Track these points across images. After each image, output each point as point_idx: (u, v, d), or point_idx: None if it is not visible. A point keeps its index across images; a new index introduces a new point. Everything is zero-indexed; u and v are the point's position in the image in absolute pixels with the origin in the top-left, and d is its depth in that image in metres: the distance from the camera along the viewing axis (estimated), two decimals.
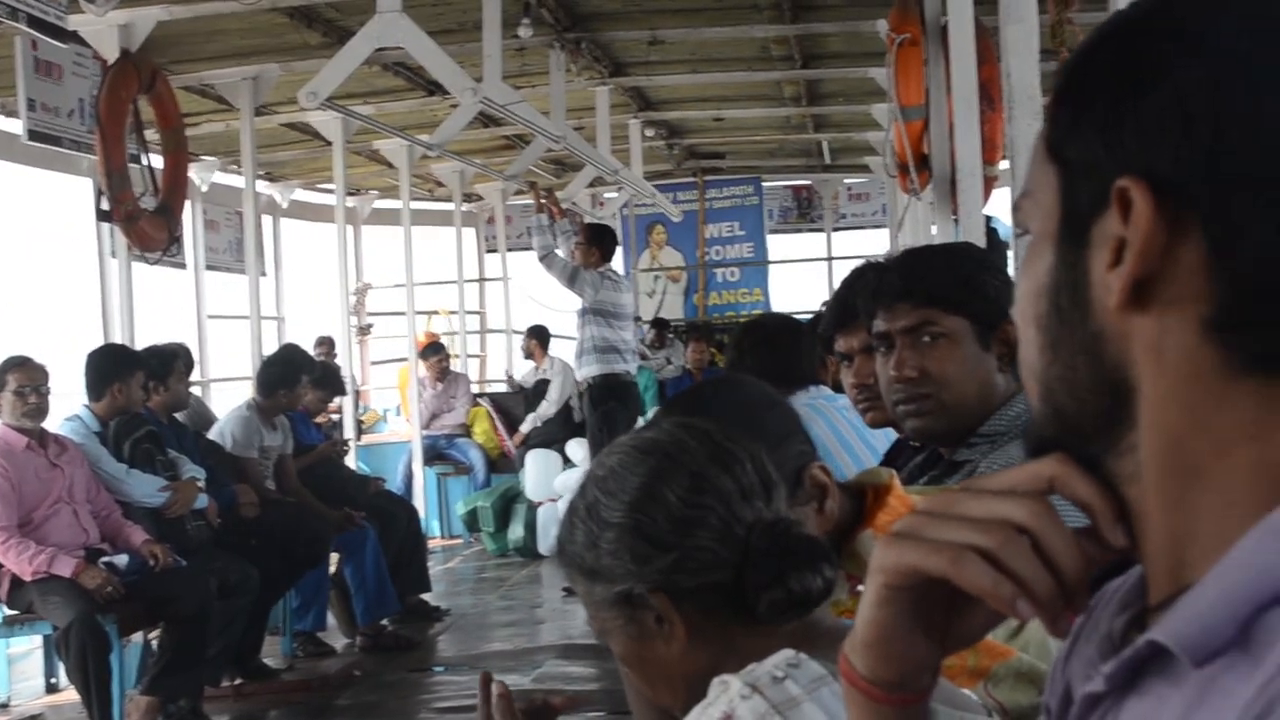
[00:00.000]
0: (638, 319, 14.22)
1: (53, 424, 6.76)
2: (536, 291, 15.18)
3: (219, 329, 12.25)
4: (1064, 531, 0.88)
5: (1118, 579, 1.00)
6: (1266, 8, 0.84)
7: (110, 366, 7.00)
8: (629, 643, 1.62)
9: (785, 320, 4.88)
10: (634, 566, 1.57)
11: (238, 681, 7.45)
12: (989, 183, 6.28)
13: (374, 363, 15.32)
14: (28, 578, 6.22)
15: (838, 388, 3.77)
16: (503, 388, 14.80)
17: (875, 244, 16.36)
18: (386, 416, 14.66)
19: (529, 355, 13.71)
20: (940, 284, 2.54)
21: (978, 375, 2.51)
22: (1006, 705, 1.70)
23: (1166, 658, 0.84)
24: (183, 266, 9.93)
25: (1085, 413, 0.91)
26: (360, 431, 12.34)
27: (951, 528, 0.89)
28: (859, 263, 3.67)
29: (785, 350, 4.19)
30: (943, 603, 0.92)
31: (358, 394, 12.74)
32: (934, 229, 7.68)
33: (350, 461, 10.55)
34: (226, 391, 12.02)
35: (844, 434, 3.82)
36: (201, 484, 7.15)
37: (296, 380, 8.43)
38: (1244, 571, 0.81)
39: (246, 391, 8.84)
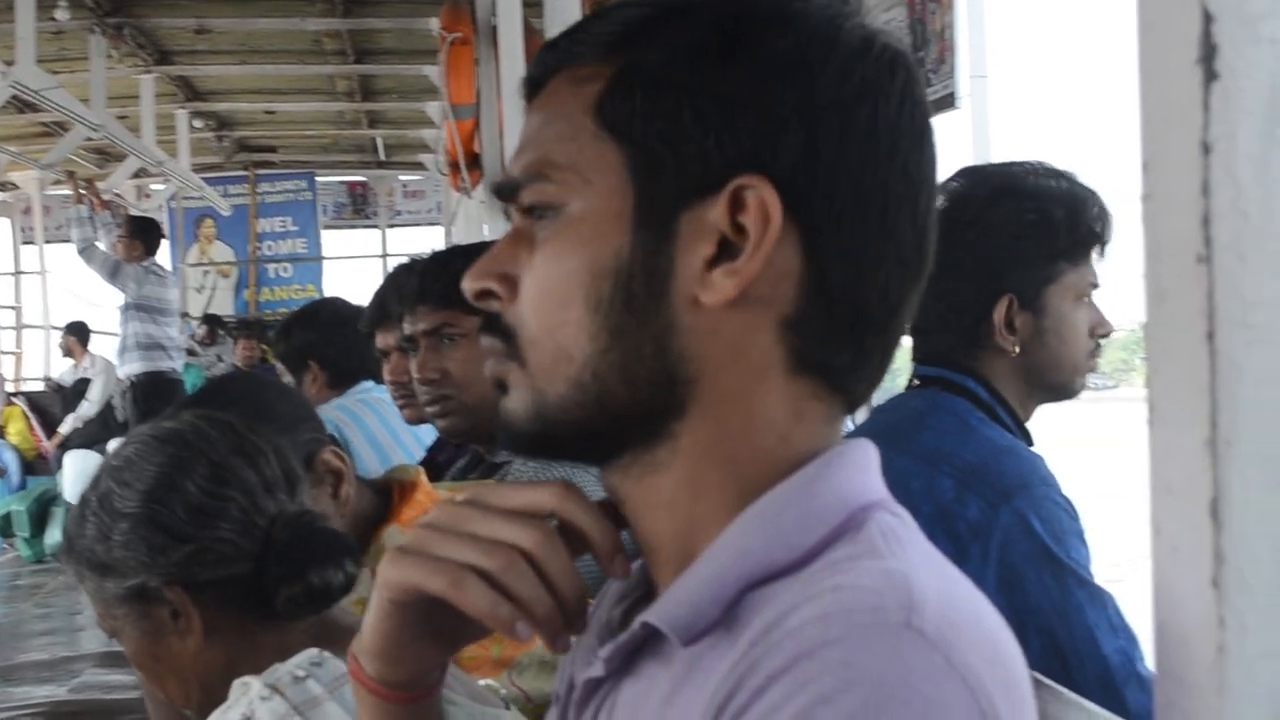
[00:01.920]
0: (185, 315, 13.83)
1: None
2: (77, 285, 14.60)
3: None
4: (564, 556, 0.89)
5: None
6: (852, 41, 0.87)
7: None
8: (142, 641, 1.55)
9: (337, 313, 4.78)
10: (148, 559, 1.50)
11: None
12: None
13: None
14: None
15: None
16: (40, 386, 14.10)
17: (431, 241, 16.39)
18: None
19: (68, 353, 13.07)
20: (456, 286, 2.55)
21: None
22: (530, 693, 1.74)
23: (660, 640, 0.87)
24: None
25: (636, 400, 0.89)
26: None
27: (456, 546, 0.89)
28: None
29: (335, 340, 4.14)
30: (449, 612, 0.91)
31: None
32: (485, 228, 7.75)
33: None
34: None
35: (395, 428, 3.80)
36: None
37: None
38: (729, 555, 0.85)
39: None
